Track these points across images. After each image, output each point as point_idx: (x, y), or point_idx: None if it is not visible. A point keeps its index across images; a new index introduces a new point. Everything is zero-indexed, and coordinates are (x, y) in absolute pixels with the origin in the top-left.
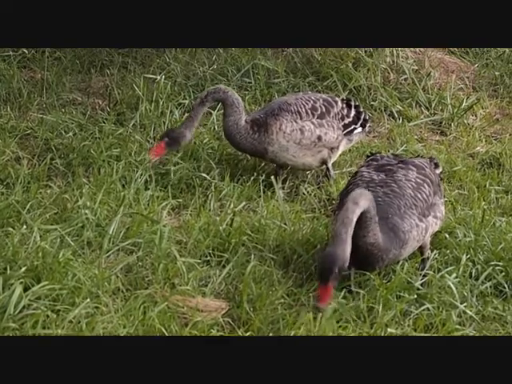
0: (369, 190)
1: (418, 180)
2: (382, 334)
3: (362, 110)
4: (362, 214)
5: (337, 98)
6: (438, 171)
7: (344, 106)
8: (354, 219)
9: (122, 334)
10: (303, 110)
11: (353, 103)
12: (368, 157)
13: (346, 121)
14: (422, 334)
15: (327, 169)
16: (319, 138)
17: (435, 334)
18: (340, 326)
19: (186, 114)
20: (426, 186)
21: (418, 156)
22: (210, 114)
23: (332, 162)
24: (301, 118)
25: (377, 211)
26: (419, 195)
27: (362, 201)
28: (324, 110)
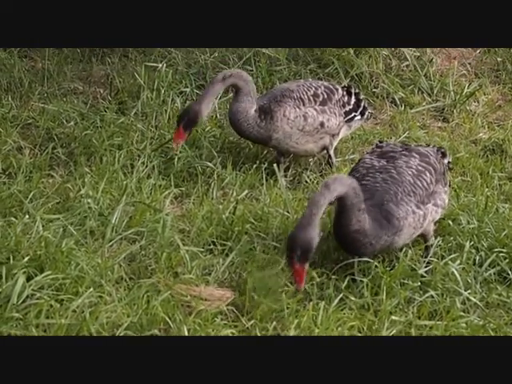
0: (368, 176)
1: (420, 167)
2: (386, 322)
3: (361, 97)
4: (341, 201)
5: (337, 86)
6: (445, 161)
7: (344, 93)
8: (323, 202)
9: (126, 324)
10: (305, 96)
11: (353, 91)
12: (376, 145)
13: (347, 108)
14: (426, 322)
15: (329, 156)
16: (322, 124)
17: (439, 322)
18: (344, 314)
19: (203, 90)
20: (427, 173)
21: (428, 146)
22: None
23: (333, 148)
24: (303, 105)
25: (373, 198)
26: (419, 182)
27: (334, 185)
28: (326, 96)
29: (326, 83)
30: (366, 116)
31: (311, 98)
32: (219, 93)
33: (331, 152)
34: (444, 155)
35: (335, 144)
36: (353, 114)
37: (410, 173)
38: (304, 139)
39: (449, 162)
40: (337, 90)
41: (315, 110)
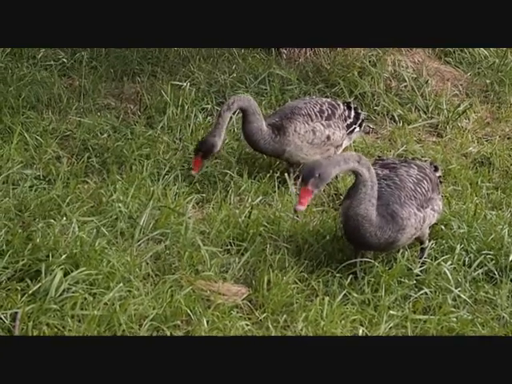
0: None
1: (419, 177)
2: (385, 316)
3: (359, 111)
4: (359, 182)
5: (339, 101)
6: (437, 174)
7: (345, 108)
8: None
9: (152, 316)
10: (312, 112)
11: (352, 105)
12: (376, 159)
13: (348, 121)
14: (421, 316)
15: None
16: (328, 137)
17: (432, 316)
18: (347, 308)
19: (214, 120)
20: (425, 182)
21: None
22: (230, 117)
23: None
24: (311, 120)
25: (379, 199)
26: (419, 189)
27: (345, 157)
28: (330, 112)
29: (329, 100)
30: (363, 127)
31: (317, 113)
32: (228, 121)
33: None
34: (436, 169)
35: None
36: (353, 127)
37: (410, 180)
38: (313, 151)
39: (440, 176)
40: (339, 105)
41: (322, 124)
